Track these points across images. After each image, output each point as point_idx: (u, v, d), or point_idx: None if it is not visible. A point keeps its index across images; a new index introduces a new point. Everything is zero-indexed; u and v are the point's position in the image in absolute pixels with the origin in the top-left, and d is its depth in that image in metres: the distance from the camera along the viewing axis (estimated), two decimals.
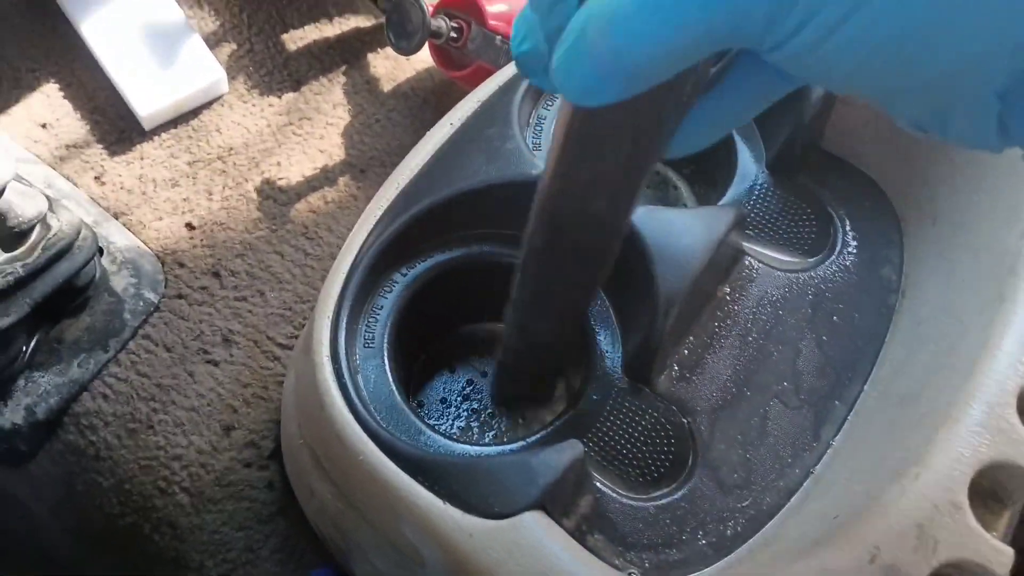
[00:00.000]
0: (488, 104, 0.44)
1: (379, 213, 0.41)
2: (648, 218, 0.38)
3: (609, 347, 0.40)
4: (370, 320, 0.40)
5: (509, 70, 0.45)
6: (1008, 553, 0.27)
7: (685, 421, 0.38)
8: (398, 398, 0.39)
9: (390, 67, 0.74)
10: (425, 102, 0.72)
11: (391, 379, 0.39)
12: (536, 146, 0.45)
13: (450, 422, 0.44)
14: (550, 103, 0.46)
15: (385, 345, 0.40)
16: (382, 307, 0.41)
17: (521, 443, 0.37)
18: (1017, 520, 0.31)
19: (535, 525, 0.31)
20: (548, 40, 0.23)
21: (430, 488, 0.33)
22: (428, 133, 0.44)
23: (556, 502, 0.33)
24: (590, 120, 0.24)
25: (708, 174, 0.47)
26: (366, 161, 0.70)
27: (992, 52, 0.18)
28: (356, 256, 0.40)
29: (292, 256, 0.65)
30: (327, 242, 0.66)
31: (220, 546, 0.59)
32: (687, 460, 0.37)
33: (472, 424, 0.44)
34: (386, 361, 0.40)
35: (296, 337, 0.62)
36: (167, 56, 0.67)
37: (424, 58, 0.72)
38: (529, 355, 0.39)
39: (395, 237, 0.41)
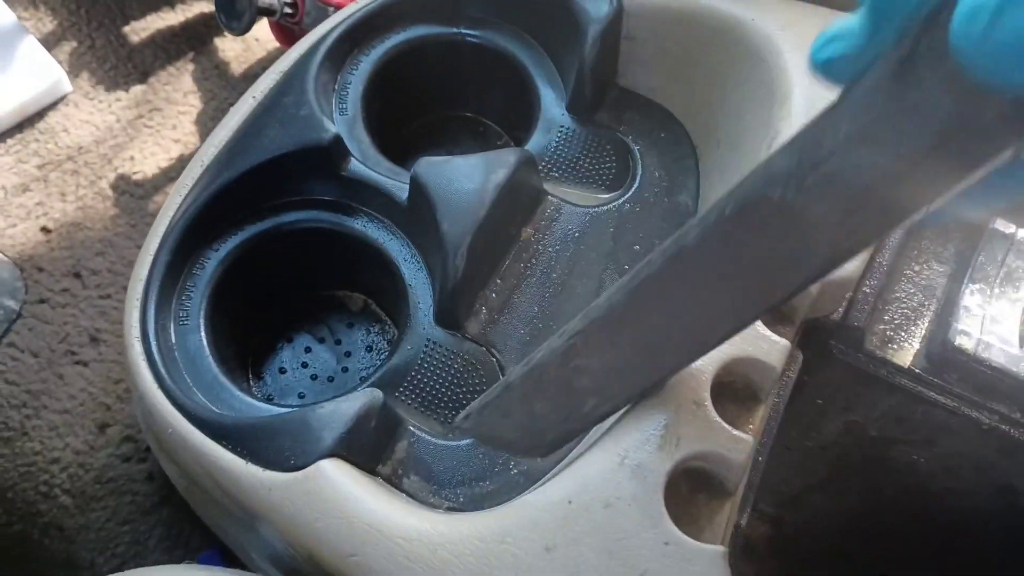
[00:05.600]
0: (287, 74, 0.44)
1: (184, 192, 0.42)
2: (431, 169, 0.39)
3: (422, 300, 0.41)
4: (183, 298, 0.41)
5: (309, 40, 0.46)
6: (747, 440, 0.29)
7: (495, 359, 0.40)
8: (215, 370, 0.39)
9: (240, 50, 0.73)
10: None
11: (208, 353, 0.40)
12: (342, 110, 0.45)
13: (289, 391, 0.45)
14: (354, 69, 0.46)
15: (201, 321, 0.41)
16: (195, 285, 0.41)
17: (330, 400, 0.38)
18: (777, 408, 0.33)
19: (329, 473, 0.33)
20: None
21: (233, 450, 0.34)
22: (232, 108, 0.45)
23: (358, 450, 0.34)
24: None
25: (521, 121, 0.48)
26: None
27: None
28: (161, 238, 0.41)
29: None
30: None
31: (108, 542, 0.59)
32: None
33: (311, 388, 0.45)
34: (203, 336, 0.40)
35: None
36: (1, 61, 0.66)
37: (274, 38, 0.72)
38: (547, 396, 0.31)
39: (199, 214, 0.41)
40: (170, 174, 0.68)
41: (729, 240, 0.23)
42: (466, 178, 0.38)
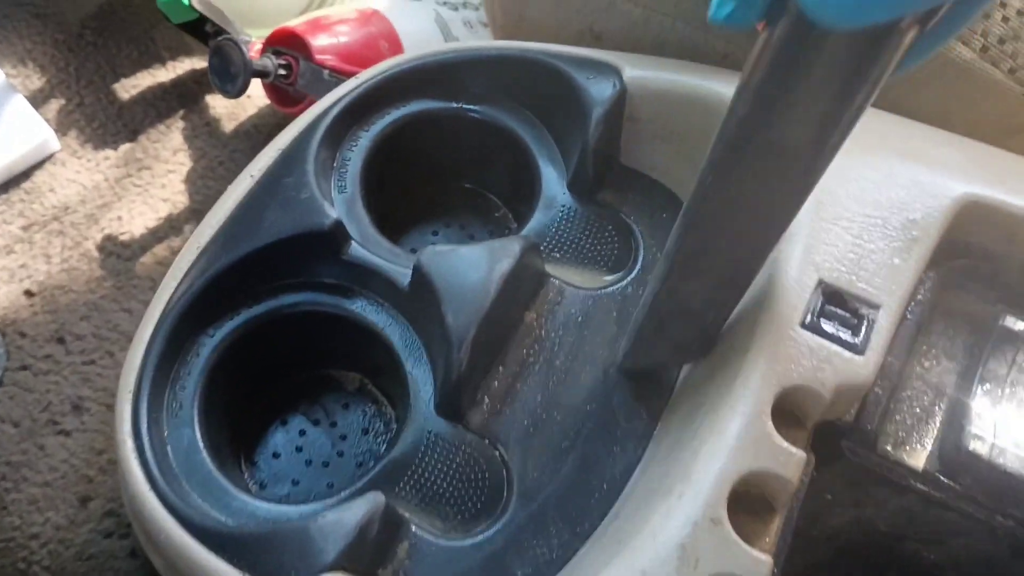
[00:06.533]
0: (286, 152, 0.44)
1: (180, 276, 0.41)
2: (435, 259, 0.38)
3: (423, 389, 0.40)
4: (177, 388, 0.40)
5: (308, 116, 0.45)
6: (766, 562, 0.29)
7: (498, 452, 0.39)
8: (210, 466, 0.38)
9: (230, 107, 0.72)
10: (269, 139, 0.71)
11: (202, 447, 0.39)
12: (341, 188, 0.45)
13: (283, 477, 0.44)
14: (353, 145, 0.46)
15: (195, 412, 0.39)
16: (190, 373, 0.40)
17: (335, 498, 0.37)
18: (788, 521, 0.32)
19: None
20: None
21: (230, 562, 0.33)
22: (229, 187, 0.44)
23: (359, 558, 0.33)
24: (815, 43, 0.21)
25: (521, 195, 0.48)
26: (211, 205, 0.68)
27: None
28: (156, 325, 0.39)
29: (141, 312, 0.64)
30: None
31: None
32: (502, 492, 0.38)
33: (305, 474, 0.44)
34: (196, 428, 0.39)
35: None
36: None
37: (264, 95, 0.71)
38: (675, 322, 0.35)
39: (196, 300, 0.40)
40: (158, 234, 0.67)
41: (734, 169, 0.27)
42: (471, 268, 0.37)
